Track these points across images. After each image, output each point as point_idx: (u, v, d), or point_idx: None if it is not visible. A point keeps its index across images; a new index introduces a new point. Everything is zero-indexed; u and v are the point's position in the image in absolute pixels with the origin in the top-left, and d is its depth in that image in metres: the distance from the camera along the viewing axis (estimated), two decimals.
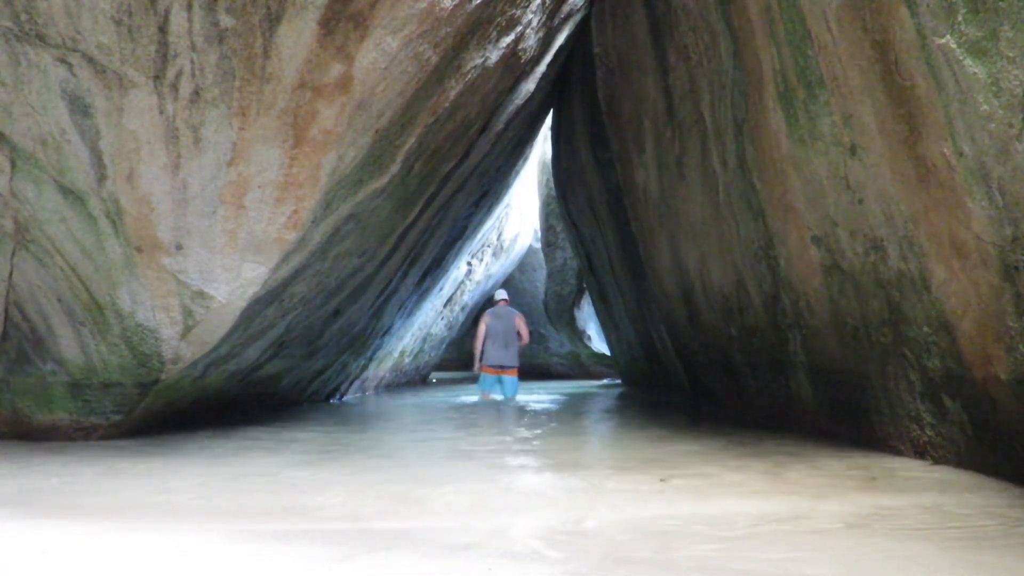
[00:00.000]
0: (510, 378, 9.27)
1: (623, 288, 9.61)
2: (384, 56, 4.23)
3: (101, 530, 2.45)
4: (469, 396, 9.84)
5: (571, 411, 7.63)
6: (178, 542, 2.29)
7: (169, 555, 2.16)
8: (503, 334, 9.29)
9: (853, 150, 3.63)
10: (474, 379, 10.85)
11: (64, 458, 4.09)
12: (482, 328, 9.40)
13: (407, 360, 12.31)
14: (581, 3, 7.32)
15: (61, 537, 2.36)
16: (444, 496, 3.05)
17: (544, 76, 7.67)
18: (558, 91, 9.69)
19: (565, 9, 6.84)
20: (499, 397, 9.12)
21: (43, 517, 2.65)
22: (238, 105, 4.08)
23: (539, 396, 10.12)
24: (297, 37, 3.99)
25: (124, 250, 4.35)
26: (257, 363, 5.90)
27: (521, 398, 9.42)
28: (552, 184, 13.57)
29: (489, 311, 9.61)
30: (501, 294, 10.13)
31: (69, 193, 4.21)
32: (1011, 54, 2.54)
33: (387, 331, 9.51)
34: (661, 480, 3.33)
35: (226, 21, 3.87)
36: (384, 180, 5.10)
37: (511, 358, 9.28)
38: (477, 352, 9.42)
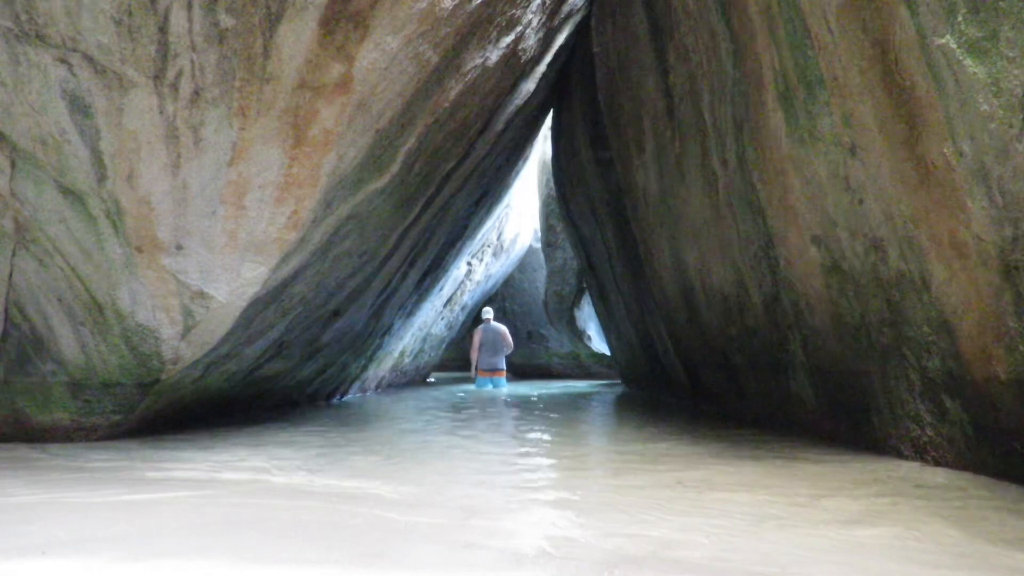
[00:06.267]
0: (500, 378, 12.23)
1: (623, 288, 9.61)
2: (384, 56, 4.24)
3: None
4: (467, 386, 12.31)
5: (569, 411, 7.63)
6: None
7: None
8: (492, 344, 12.21)
9: (853, 150, 3.62)
10: (469, 379, 13.61)
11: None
12: (476, 341, 12.32)
13: (407, 360, 12.31)
14: (581, 3, 7.32)
15: None
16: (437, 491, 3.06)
17: (544, 76, 7.68)
18: (558, 91, 9.69)
19: (565, 9, 6.84)
20: (494, 389, 11.67)
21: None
22: (238, 105, 4.08)
23: (537, 393, 10.17)
24: (297, 37, 3.99)
25: (124, 250, 4.35)
26: (257, 363, 5.90)
27: (533, 394, 10.73)
28: (552, 184, 13.58)
29: (480, 327, 12.50)
30: (488, 312, 12.79)
31: (69, 193, 4.21)
32: (1011, 54, 2.54)
33: (387, 331, 9.52)
34: (677, 483, 3.32)
35: (226, 21, 3.87)
36: (384, 180, 5.10)
37: (500, 363, 12.27)
38: (473, 360, 12.34)
